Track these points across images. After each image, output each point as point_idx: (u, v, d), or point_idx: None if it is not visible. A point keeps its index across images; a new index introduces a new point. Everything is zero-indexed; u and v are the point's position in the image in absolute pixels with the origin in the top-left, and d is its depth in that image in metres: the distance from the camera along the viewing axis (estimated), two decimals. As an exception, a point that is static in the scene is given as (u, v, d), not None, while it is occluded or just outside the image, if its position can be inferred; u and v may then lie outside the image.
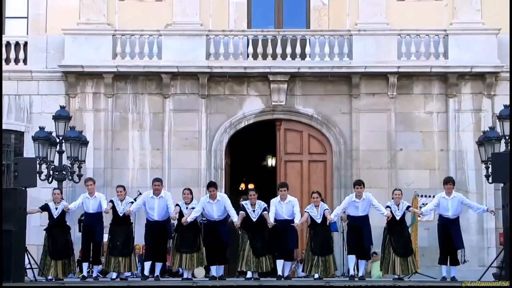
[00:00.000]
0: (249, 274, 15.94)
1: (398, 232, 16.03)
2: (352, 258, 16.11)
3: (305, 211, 16.21)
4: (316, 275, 15.88)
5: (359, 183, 16.29)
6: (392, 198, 16.27)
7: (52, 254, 16.10)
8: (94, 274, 16.58)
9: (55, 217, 16.26)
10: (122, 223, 16.21)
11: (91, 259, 16.56)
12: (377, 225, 16.87)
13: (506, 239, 15.29)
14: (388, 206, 16.09)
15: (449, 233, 16.04)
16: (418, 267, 16.65)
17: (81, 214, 17.61)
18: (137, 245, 18.34)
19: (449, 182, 16.29)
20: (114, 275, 16.18)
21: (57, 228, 16.27)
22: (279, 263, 16.07)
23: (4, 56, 21.90)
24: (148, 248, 16.31)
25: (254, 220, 15.95)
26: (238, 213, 16.14)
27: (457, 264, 16.29)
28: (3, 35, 21.71)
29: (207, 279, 16.42)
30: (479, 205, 17.12)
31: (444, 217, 16.10)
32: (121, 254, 16.02)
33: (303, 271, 16.63)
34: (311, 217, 16.07)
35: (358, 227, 15.99)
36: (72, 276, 16.77)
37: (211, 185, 16.36)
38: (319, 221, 16.02)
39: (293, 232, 16.12)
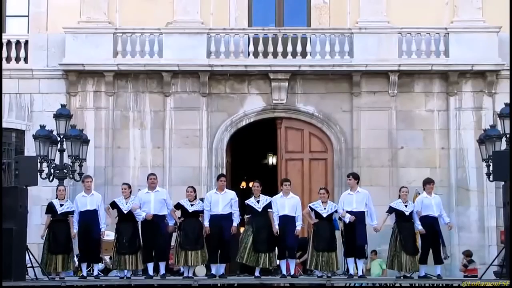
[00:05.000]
0: (256, 272, 15.91)
1: (407, 230, 16.04)
2: (351, 260, 16.10)
3: (309, 206, 16.20)
4: (319, 273, 15.88)
5: (348, 175, 16.59)
6: (399, 196, 16.33)
7: (53, 249, 16.08)
8: (95, 273, 16.54)
9: (59, 213, 16.25)
10: (127, 220, 16.18)
11: (90, 257, 16.51)
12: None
13: (506, 237, 15.30)
14: (392, 208, 16.13)
15: (436, 231, 16.14)
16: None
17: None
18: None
19: (431, 182, 16.55)
20: (114, 272, 16.16)
21: (58, 223, 16.24)
22: (282, 263, 16.04)
23: (5, 54, 21.90)
24: (147, 250, 16.19)
25: (260, 210, 15.89)
26: (242, 214, 16.21)
27: (440, 263, 16.33)
28: (4, 34, 21.69)
29: (208, 277, 16.39)
30: (446, 217, 16.63)
31: (430, 216, 16.18)
32: (128, 252, 15.99)
33: (307, 266, 16.53)
34: (316, 212, 16.04)
35: (352, 225, 15.97)
36: (70, 273, 16.71)
37: (222, 175, 16.60)
38: (325, 215, 16.01)
39: (293, 230, 16.06)
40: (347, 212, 16.01)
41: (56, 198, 16.63)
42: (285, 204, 16.07)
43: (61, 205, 16.30)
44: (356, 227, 15.95)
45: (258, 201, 16.00)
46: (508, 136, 18.68)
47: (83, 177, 17.30)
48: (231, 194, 16.20)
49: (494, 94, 21.82)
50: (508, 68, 21.01)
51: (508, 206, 15.03)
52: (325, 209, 16.08)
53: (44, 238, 16.32)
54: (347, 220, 15.99)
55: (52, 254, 16.08)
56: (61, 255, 16.11)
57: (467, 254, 19.96)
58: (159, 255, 16.22)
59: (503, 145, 18.88)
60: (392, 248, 16.09)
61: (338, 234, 16.52)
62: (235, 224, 16.08)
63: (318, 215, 16.07)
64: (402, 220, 16.06)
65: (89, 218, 16.27)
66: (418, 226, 16.12)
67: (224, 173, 21.63)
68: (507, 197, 15.16)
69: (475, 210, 21.49)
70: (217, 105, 22.17)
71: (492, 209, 21.26)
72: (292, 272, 16.12)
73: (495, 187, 20.57)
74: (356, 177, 16.57)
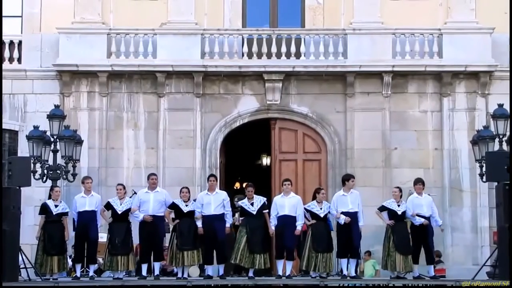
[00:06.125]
0: (250, 273, 15.91)
1: (400, 230, 16.09)
2: (344, 261, 16.11)
3: (304, 208, 16.20)
4: (314, 273, 15.88)
5: (352, 177, 16.53)
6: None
7: (48, 250, 16.07)
8: (90, 274, 16.52)
9: (54, 213, 16.26)
10: (121, 220, 16.21)
11: (85, 258, 16.51)
12: (371, 224, 16.95)
13: (500, 238, 15.32)
14: (384, 207, 16.16)
15: (426, 232, 16.22)
16: None
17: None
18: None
19: (418, 182, 16.59)
20: (107, 273, 16.16)
21: (53, 223, 16.23)
22: (279, 263, 16.08)
23: (-2, 55, 21.86)
24: (144, 250, 16.25)
25: (254, 213, 15.90)
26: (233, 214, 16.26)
27: (433, 263, 16.40)
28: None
29: (202, 278, 16.41)
30: (438, 218, 16.75)
31: (421, 216, 16.24)
32: (121, 253, 15.99)
33: (302, 267, 16.51)
34: (313, 213, 16.04)
35: (347, 226, 15.97)
36: (63, 274, 16.70)
37: (212, 175, 16.57)
38: (322, 215, 16.02)
39: (293, 230, 16.07)
40: (342, 213, 16.03)
41: (50, 198, 16.63)
42: (285, 203, 16.07)
43: (56, 206, 16.32)
44: (352, 228, 15.97)
45: (252, 204, 15.99)
46: (501, 137, 18.75)
47: (83, 178, 17.27)
48: (223, 195, 16.22)
49: (488, 95, 21.86)
50: (501, 69, 21.14)
51: (501, 207, 15.06)
52: (321, 209, 16.09)
53: (38, 239, 16.30)
54: (342, 222, 16.00)
55: (48, 256, 16.07)
56: (56, 256, 16.11)
57: (437, 254, 20.02)
58: (156, 256, 16.22)
59: (496, 146, 18.93)
60: (386, 249, 16.12)
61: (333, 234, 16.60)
62: (227, 225, 16.09)
63: (314, 215, 16.06)
64: (395, 220, 16.09)
65: (87, 219, 16.31)
66: (420, 220, 16.12)
67: (218, 173, 21.69)
68: (500, 197, 15.20)
69: (468, 210, 21.53)
70: (211, 106, 22.17)
71: (485, 209, 21.30)
72: (288, 273, 16.10)
73: (488, 187, 20.62)
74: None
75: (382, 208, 16.31)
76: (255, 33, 22.13)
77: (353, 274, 16.15)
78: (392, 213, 16.15)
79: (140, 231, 16.24)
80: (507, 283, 14.22)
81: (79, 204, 16.40)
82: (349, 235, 15.94)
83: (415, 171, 21.18)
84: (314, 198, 16.39)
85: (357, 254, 16.31)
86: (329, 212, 16.15)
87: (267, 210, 16.06)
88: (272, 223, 15.98)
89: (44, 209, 16.35)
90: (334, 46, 21.88)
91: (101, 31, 22.12)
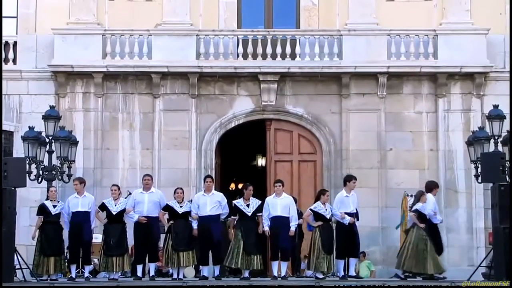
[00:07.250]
0: (245, 273, 15.91)
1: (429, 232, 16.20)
2: (342, 262, 16.11)
3: (309, 209, 16.18)
4: (321, 275, 15.87)
5: (354, 178, 16.49)
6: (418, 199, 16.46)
7: (45, 250, 16.04)
8: (86, 275, 16.51)
9: (52, 213, 16.25)
10: (116, 221, 16.20)
11: (81, 259, 16.49)
12: (366, 225, 16.96)
13: (496, 239, 15.33)
14: (417, 210, 16.21)
15: (438, 231, 16.36)
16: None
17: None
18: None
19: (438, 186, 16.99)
20: (102, 274, 16.14)
21: (51, 224, 16.21)
22: (274, 264, 16.05)
23: (-7, 55, 21.82)
24: (138, 250, 16.25)
25: (249, 215, 15.89)
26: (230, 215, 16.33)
27: None
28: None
29: (197, 279, 16.40)
30: None
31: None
32: (116, 254, 15.98)
33: (309, 269, 16.44)
34: (320, 215, 16.01)
35: (350, 226, 15.98)
36: (59, 275, 16.68)
37: (208, 176, 16.63)
38: (328, 216, 16.02)
39: (287, 231, 16.07)
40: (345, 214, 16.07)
41: (47, 199, 16.61)
42: (277, 204, 16.06)
43: (54, 206, 16.31)
44: (354, 229, 16.00)
45: (248, 205, 15.99)
46: (496, 138, 18.78)
47: (73, 179, 17.28)
48: (219, 196, 16.22)
49: (483, 96, 21.90)
50: (496, 70, 21.28)
51: (497, 208, 15.08)
52: (326, 210, 16.08)
53: (35, 239, 16.26)
54: (346, 222, 15.99)
55: (45, 256, 16.05)
56: (53, 257, 16.09)
57: None
58: (151, 257, 16.21)
59: (491, 147, 18.97)
60: (421, 251, 15.92)
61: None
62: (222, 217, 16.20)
63: (320, 217, 16.03)
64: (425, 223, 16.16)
65: (80, 219, 16.27)
66: (440, 218, 16.29)
67: (213, 174, 21.68)
68: (495, 198, 15.23)
69: (464, 211, 21.56)
70: (206, 107, 22.17)
71: (481, 210, 21.34)
72: (283, 274, 16.10)
73: (483, 188, 20.65)
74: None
75: (416, 212, 16.25)
76: (250, 34, 22.14)
77: (353, 273, 16.13)
78: (422, 217, 16.11)
79: (134, 232, 16.25)
80: (507, 283, 14.25)
81: (72, 205, 16.38)
82: (351, 236, 15.95)
83: (411, 172, 21.30)
84: (317, 199, 16.36)
85: (357, 254, 16.31)
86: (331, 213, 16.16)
87: (261, 213, 16.05)
88: (265, 224, 15.98)
89: (43, 210, 16.33)
90: (329, 47, 21.90)
91: (96, 31, 22.11)
